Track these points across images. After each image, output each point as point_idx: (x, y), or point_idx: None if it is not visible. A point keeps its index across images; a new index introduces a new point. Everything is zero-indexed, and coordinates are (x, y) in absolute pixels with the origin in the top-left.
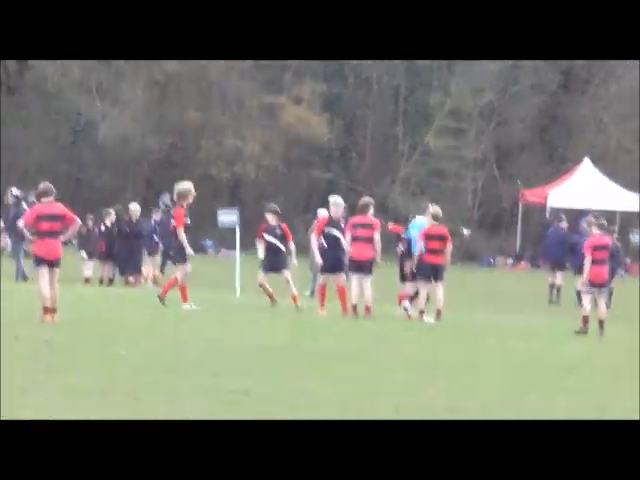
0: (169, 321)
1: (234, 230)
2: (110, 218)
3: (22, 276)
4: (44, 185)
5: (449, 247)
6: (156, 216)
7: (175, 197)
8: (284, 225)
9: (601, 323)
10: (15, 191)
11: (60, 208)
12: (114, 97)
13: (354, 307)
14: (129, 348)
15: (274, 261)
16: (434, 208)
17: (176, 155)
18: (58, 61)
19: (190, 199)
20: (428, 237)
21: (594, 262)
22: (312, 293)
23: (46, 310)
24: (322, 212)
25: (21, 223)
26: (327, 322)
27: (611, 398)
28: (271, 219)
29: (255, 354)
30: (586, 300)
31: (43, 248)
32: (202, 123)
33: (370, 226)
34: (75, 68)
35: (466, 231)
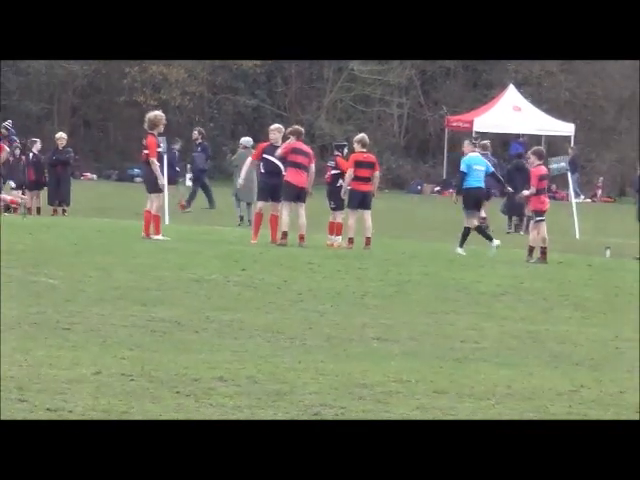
0: (96, 250)
1: (162, 157)
2: (36, 146)
3: None
4: None
5: (377, 175)
6: (176, 145)
7: (147, 126)
8: None
9: (544, 250)
10: None
11: None
12: None
13: (284, 234)
14: (57, 278)
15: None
16: (360, 135)
17: (101, 81)
18: None
19: (161, 127)
20: (357, 164)
21: (540, 191)
22: (242, 219)
23: None
24: (245, 140)
25: None
26: (257, 251)
27: (541, 324)
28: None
29: (184, 284)
30: (542, 228)
31: None
32: None
33: (308, 155)
34: None
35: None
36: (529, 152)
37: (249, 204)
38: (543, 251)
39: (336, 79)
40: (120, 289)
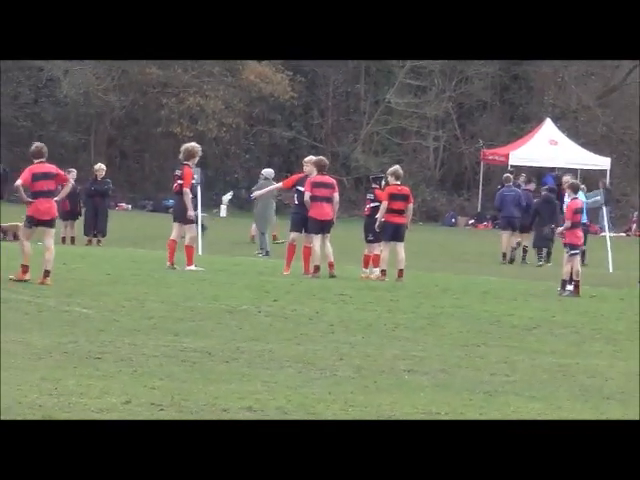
0: (130, 280)
1: (195, 189)
2: (72, 176)
3: None
4: (37, 146)
5: (411, 207)
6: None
7: (183, 156)
8: None
9: (577, 283)
10: None
11: (53, 168)
12: None
13: (317, 267)
14: (90, 307)
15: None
16: (394, 168)
17: (138, 113)
18: None
19: (197, 158)
20: (391, 197)
21: (575, 225)
22: (267, 253)
23: (25, 268)
24: (266, 171)
25: (19, 182)
26: (289, 282)
27: (572, 358)
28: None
29: (216, 315)
30: (576, 262)
31: (39, 208)
32: (164, 80)
33: (331, 186)
34: None
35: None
36: (564, 185)
37: (263, 233)
38: (576, 284)
39: (373, 112)
40: (153, 319)
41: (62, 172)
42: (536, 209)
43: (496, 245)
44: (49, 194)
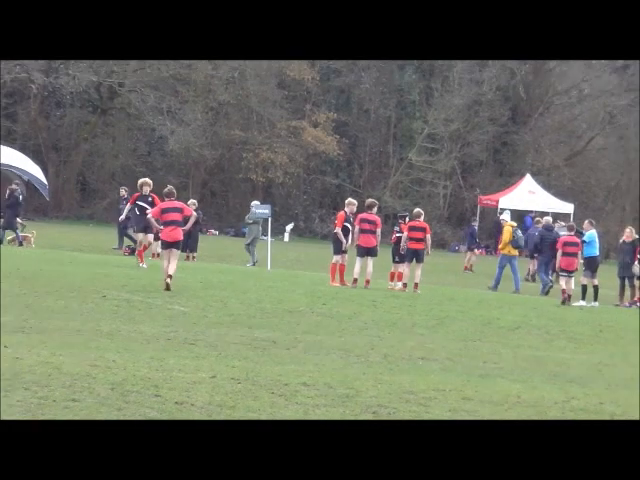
0: (217, 287)
1: (267, 220)
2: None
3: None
4: (169, 188)
5: (429, 237)
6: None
7: (144, 189)
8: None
9: (569, 297)
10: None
11: (179, 204)
12: (180, 118)
13: (355, 280)
14: (187, 306)
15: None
16: (416, 210)
17: (224, 163)
18: (139, 89)
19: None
20: (411, 228)
21: (565, 254)
22: (254, 263)
23: (168, 278)
24: (255, 203)
25: (150, 215)
26: (334, 291)
27: (543, 351)
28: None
29: (280, 313)
30: (562, 281)
31: (168, 234)
32: (244, 140)
33: (374, 223)
34: (151, 95)
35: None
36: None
37: (253, 246)
38: (569, 297)
39: (398, 166)
40: (233, 316)
41: (187, 207)
42: (535, 243)
43: (488, 267)
44: (175, 223)
